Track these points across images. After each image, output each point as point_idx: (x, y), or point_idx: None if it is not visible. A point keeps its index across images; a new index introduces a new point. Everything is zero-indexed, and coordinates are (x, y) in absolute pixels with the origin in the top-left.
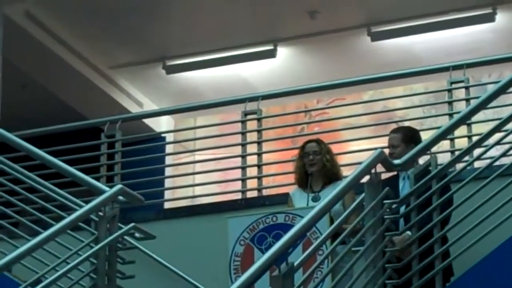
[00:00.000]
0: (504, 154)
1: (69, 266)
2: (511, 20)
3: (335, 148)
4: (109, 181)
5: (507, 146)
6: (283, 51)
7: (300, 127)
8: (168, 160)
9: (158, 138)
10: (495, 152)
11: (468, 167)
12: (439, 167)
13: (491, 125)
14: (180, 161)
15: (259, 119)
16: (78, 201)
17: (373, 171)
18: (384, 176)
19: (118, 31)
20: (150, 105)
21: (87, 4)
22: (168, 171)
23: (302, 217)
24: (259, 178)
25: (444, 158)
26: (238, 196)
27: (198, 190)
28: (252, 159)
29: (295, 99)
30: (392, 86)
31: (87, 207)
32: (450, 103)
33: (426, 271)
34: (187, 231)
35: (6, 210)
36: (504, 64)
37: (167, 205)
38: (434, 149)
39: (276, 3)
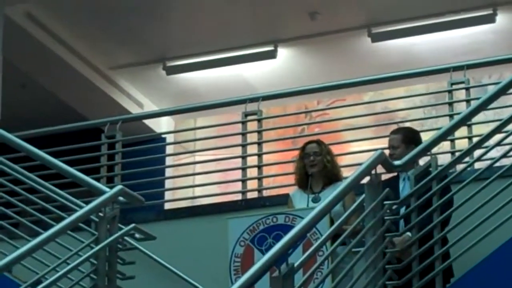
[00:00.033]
0: (504, 155)
1: (69, 267)
2: None
3: (335, 149)
4: (109, 181)
5: (507, 147)
6: (283, 52)
7: (300, 128)
8: (169, 161)
9: (158, 139)
10: (495, 153)
11: (469, 168)
12: (440, 168)
13: (492, 126)
14: (180, 161)
15: (259, 120)
16: (78, 201)
17: (373, 172)
18: (384, 177)
19: (118, 31)
20: (150, 106)
21: (87, 4)
22: (169, 172)
23: (302, 218)
24: (259, 179)
25: (444, 159)
26: (238, 197)
27: (198, 191)
28: (252, 160)
29: (296, 100)
30: (392, 87)
31: (87, 207)
32: (450, 104)
33: (426, 272)
34: (187, 232)
35: (6, 211)
36: (505, 65)
37: (167, 206)
38: (434, 150)
39: (277, 3)
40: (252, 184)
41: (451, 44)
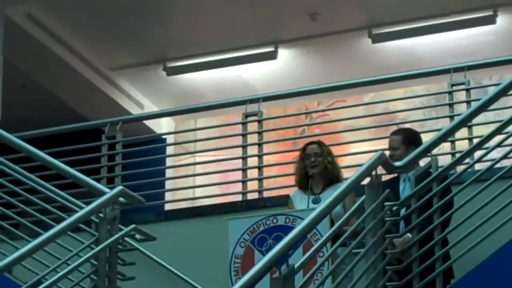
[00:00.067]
0: (505, 157)
1: (69, 268)
2: None
3: (335, 150)
4: (110, 182)
5: (508, 148)
6: (284, 53)
7: (301, 129)
8: (169, 161)
9: (158, 140)
10: (495, 154)
11: (469, 169)
12: (440, 169)
13: (492, 127)
14: (180, 162)
15: (259, 121)
16: (78, 202)
17: (373, 173)
18: (384, 178)
19: (119, 32)
20: (150, 107)
21: (88, 5)
22: (169, 173)
23: (302, 219)
24: (260, 180)
25: (444, 160)
26: (239, 198)
27: (198, 192)
28: (252, 161)
29: (296, 100)
30: (393, 88)
31: (87, 208)
32: (451, 105)
33: (426, 273)
34: (188, 233)
35: (6, 211)
36: (505, 66)
37: (167, 207)
38: (434, 151)
39: (277, 4)
40: (252, 185)
41: (452, 45)
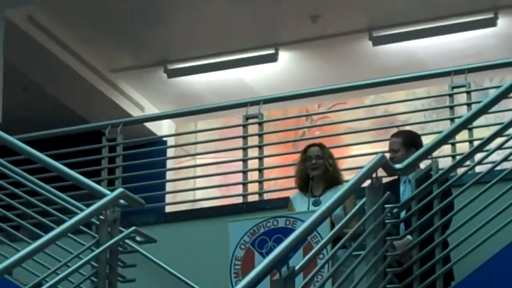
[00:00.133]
0: (505, 159)
1: (70, 270)
2: None
3: (336, 152)
4: (110, 184)
5: (508, 151)
6: (284, 55)
7: (301, 131)
8: (169, 164)
9: (159, 142)
10: (496, 157)
11: (469, 172)
12: (440, 172)
13: (493, 130)
14: (181, 165)
15: (260, 123)
16: (79, 204)
17: (374, 175)
18: (385, 180)
19: (120, 34)
20: (151, 109)
21: (89, 7)
22: (169, 175)
23: (303, 221)
24: (260, 182)
25: (445, 163)
26: (239, 200)
27: (199, 194)
28: (253, 163)
29: (297, 103)
30: (393, 90)
31: (88, 210)
32: (451, 107)
33: (427, 275)
34: (188, 235)
35: (7, 213)
36: (506, 68)
37: (168, 209)
38: (435, 153)
39: (278, 7)
40: (252, 187)
41: (452, 48)
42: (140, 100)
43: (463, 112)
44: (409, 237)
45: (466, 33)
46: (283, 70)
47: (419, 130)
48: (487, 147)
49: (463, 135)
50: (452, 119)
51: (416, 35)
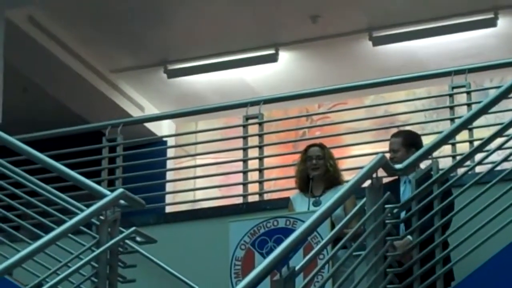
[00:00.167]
0: (505, 159)
1: (70, 270)
2: None
3: (336, 153)
4: (110, 185)
5: (508, 151)
6: (285, 56)
7: (301, 132)
8: (169, 164)
9: (159, 142)
10: (496, 157)
11: (470, 172)
12: (441, 172)
13: (493, 130)
14: (181, 165)
15: (260, 123)
16: (79, 205)
17: (374, 175)
18: (385, 180)
19: (120, 35)
20: (151, 109)
21: (89, 8)
22: (169, 175)
23: (303, 221)
24: (261, 182)
25: (445, 163)
26: (239, 200)
27: (199, 194)
28: (253, 164)
29: (297, 103)
30: (393, 90)
31: (88, 211)
32: (451, 107)
33: (427, 275)
34: (188, 235)
35: (7, 214)
36: (506, 69)
37: (168, 209)
38: (435, 153)
39: (278, 7)
40: (253, 188)
41: (453, 48)
42: (140, 100)
43: (463, 112)
44: (409, 237)
45: (467, 33)
46: (283, 70)
47: (419, 130)
48: (487, 147)
49: (463, 135)
50: (452, 119)
51: (416, 35)
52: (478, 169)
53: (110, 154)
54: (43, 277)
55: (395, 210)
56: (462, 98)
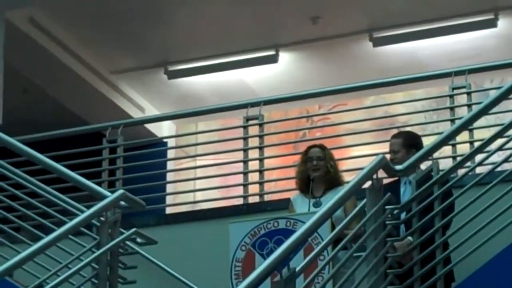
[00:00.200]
0: (506, 160)
1: (70, 271)
2: None
3: (336, 154)
4: (111, 186)
5: (509, 152)
6: (285, 57)
7: (302, 133)
8: (170, 165)
9: (159, 143)
10: (497, 158)
11: (470, 173)
12: (441, 173)
13: (493, 131)
14: (181, 166)
15: (260, 125)
16: (79, 206)
17: (374, 176)
18: (385, 181)
19: (120, 36)
20: (151, 110)
21: (89, 9)
22: (170, 176)
23: (303, 222)
24: (261, 183)
25: (445, 164)
26: (240, 201)
27: (199, 196)
28: (253, 165)
29: (297, 104)
30: (393, 91)
31: (88, 212)
32: (452, 108)
33: (427, 276)
34: (188, 236)
35: (7, 215)
36: (506, 69)
37: (168, 210)
38: (435, 154)
39: (278, 8)
40: (253, 189)
41: (453, 49)
42: (140, 101)
43: (463, 113)
44: (409, 238)
45: (467, 34)
46: (283, 71)
47: (419, 131)
48: (488, 148)
49: (464, 136)
50: (452, 120)
51: (417, 36)
52: (478, 170)
53: (111, 155)
54: (43, 279)
55: (395, 211)
56: (462, 99)
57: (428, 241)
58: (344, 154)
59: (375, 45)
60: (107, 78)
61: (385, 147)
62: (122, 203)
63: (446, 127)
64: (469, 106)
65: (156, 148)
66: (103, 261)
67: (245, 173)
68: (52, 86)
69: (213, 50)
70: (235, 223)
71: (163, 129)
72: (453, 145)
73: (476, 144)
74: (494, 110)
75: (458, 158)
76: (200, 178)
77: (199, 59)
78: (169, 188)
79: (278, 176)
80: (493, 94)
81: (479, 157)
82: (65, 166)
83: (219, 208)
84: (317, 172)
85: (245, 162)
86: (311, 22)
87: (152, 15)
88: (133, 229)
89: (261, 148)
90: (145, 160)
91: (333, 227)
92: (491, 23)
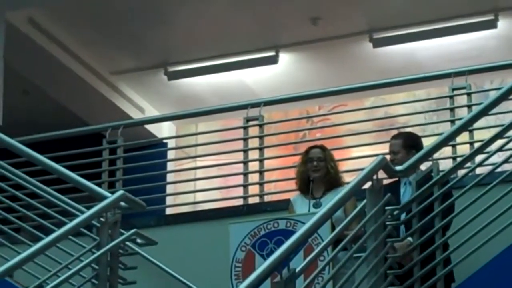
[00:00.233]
0: (506, 161)
1: (70, 272)
2: None
3: (337, 154)
4: (111, 187)
5: (509, 153)
6: (285, 57)
7: (302, 133)
8: (170, 166)
9: (159, 144)
10: (496, 158)
11: (470, 174)
12: (441, 174)
13: (493, 131)
14: (181, 167)
15: (261, 125)
16: (80, 207)
17: (374, 177)
18: (385, 182)
19: (120, 37)
20: (151, 111)
21: (89, 10)
22: (170, 177)
23: (303, 223)
24: (261, 184)
25: (446, 165)
26: (240, 202)
27: (199, 196)
28: (253, 165)
29: (297, 105)
30: (394, 92)
31: (89, 213)
32: (452, 109)
33: (427, 277)
34: (189, 237)
35: (7, 216)
36: (506, 70)
37: (168, 211)
38: (436, 155)
39: (278, 9)
40: (253, 190)
41: (453, 50)
42: (140, 102)
43: (463, 114)
44: (409, 239)
45: (467, 35)
46: (283, 72)
47: (419, 132)
48: (488, 149)
49: (464, 137)
50: (452, 121)
51: (417, 37)
52: (478, 170)
53: (111, 156)
54: (43, 279)
55: (395, 212)
56: (462, 100)
57: (428, 241)
58: (344, 155)
59: (375, 46)
60: (107, 79)
61: (385, 148)
62: (122, 204)
63: (446, 128)
64: (469, 107)
65: (156, 149)
66: (103, 261)
67: (245, 174)
68: (52, 87)
69: (213, 51)
70: (235, 223)
71: (163, 130)
72: (453, 146)
73: (476, 145)
74: (494, 111)
75: (458, 159)
76: (200, 179)
77: (199, 60)
78: (169, 189)
79: (278, 177)
80: (493, 95)
81: (479, 158)
82: (65, 167)
83: (219, 208)
84: (318, 173)
85: (245, 163)
86: (311, 23)
87: (152, 15)
88: (133, 230)
89: (261, 148)
90: (145, 161)
91: (333, 227)
92: (491, 24)
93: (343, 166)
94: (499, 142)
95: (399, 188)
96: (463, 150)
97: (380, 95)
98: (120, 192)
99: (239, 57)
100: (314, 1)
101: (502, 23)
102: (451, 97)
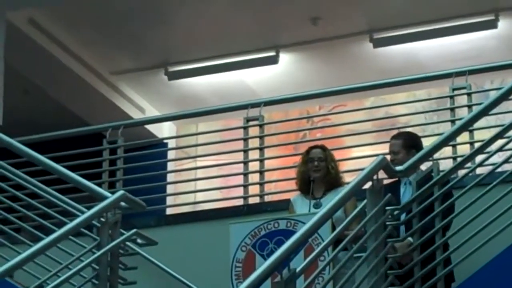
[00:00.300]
0: (506, 161)
1: (71, 272)
2: None
3: (337, 154)
4: (111, 187)
5: (509, 153)
6: (285, 57)
7: (302, 133)
8: (170, 166)
9: (160, 144)
10: (497, 158)
11: (470, 174)
12: (441, 174)
13: (493, 131)
14: (182, 167)
15: (261, 125)
16: (80, 207)
17: (375, 177)
18: (385, 182)
19: (121, 37)
20: (152, 111)
21: (90, 10)
22: (170, 177)
23: (304, 223)
24: (261, 184)
25: (446, 165)
26: (240, 202)
27: (200, 196)
28: (254, 165)
29: (297, 105)
30: (394, 92)
31: (89, 213)
32: (452, 109)
33: (428, 277)
34: (189, 237)
35: (8, 216)
36: (506, 70)
37: (169, 211)
38: (436, 155)
39: (279, 9)
40: (253, 190)
41: (453, 50)
42: (141, 102)
43: (463, 114)
44: (410, 239)
45: (467, 35)
46: (283, 72)
47: (420, 132)
48: (488, 149)
49: (464, 137)
50: (453, 121)
51: (417, 37)
52: (478, 170)
53: (111, 156)
54: (44, 279)
55: (395, 212)
56: (462, 100)
57: (428, 241)
58: (344, 155)
59: (375, 46)
60: (108, 79)
61: (385, 148)
62: (123, 204)
63: (447, 128)
64: (469, 107)
65: (157, 149)
66: (103, 262)
67: (245, 174)
68: (53, 87)
69: (214, 51)
70: (235, 223)
71: (163, 130)
72: (454, 146)
73: (477, 145)
74: (494, 111)
75: (459, 159)
76: (200, 179)
77: (200, 60)
78: (170, 189)
79: (278, 177)
80: (494, 95)
81: (479, 158)
82: (66, 167)
83: (219, 208)
84: (318, 173)
85: (246, 163)
86: (312, 23)
87: (152, 15)
88: (134, 230)
89: (261, 149)
90: (145, 161)
91: (333, 228)
92: (492, 24)
93: (343, 166)
94: (499, 142)
95: (399, 188)
96: (463, 150)
97: (380, 95)
98: (121, 192)
99: (239, 57)
100: (314, 1)
101: (502, 23)
102: (451, 97)
